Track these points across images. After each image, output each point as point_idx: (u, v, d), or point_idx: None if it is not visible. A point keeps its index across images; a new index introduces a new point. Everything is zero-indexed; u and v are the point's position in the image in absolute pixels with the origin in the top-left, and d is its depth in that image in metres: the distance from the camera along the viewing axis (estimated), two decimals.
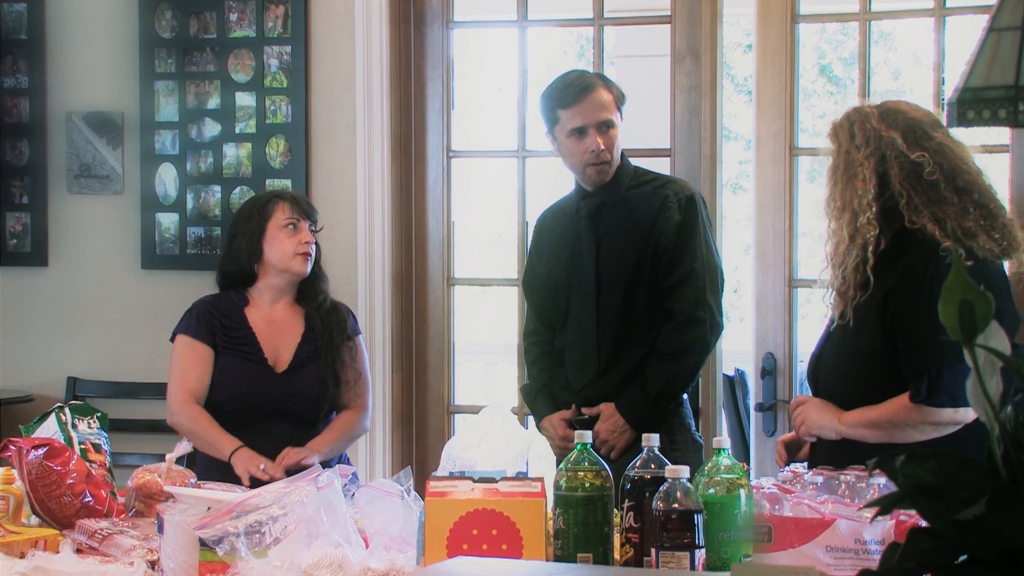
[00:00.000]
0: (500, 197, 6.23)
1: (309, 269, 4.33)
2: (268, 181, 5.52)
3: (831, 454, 3.38)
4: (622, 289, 4.20)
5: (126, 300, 5.72)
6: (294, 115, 5.50)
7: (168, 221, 5.65)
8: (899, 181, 3.37)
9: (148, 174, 5.67)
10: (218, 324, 4.27)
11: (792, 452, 3.61)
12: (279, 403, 4.18)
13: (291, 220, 4.27)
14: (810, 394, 3.66)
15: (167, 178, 5.65)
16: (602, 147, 4.17)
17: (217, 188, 5.61)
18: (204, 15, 5.59)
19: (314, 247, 4.34)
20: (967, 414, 3.29)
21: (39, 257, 5.82)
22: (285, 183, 5.50)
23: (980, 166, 3.45)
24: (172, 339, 4.35)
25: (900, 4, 5.51)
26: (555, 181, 4.73)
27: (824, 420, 3.51)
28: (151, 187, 5.66)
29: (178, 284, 5.66)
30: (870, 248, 3.38)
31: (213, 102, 5.60)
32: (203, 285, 5.64)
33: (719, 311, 4.22)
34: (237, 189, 5.57)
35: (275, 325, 4.30)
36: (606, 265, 4.23)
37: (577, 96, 4.19)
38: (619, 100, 4.26)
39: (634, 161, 4.39)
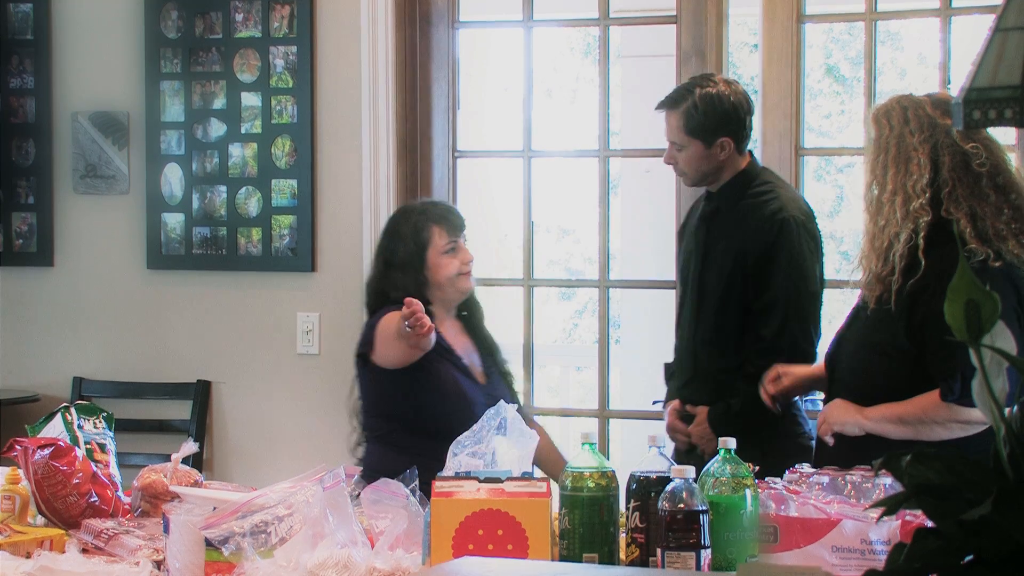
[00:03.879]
0: (506, 197, 6.22)
1: (474, 284, 4.31)
2: (274, 181, 5.52)
3: (842, 454, 3.37)
4: (717, 300, 4.24)
5: (132, 300, 5.73)
6: (300, 115, 5.50)
7: (174, 221, 5.66)
8: (949, 169, 3.39)
9: (154, 174, 5.67)
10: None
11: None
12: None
13: (450, 244, 4.22)
14: (825, 376, 3.69)
15: (173, 178, 5.66)
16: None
17: (223, 188, 5.61)
18: (210, 15, 5.60)
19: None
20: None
21: (45, 257, 5.82)
22: (291, 183, 5.50)
23: (1015, 167, 3.47)
24: (376, 320, 4.17)
25: (906, 4, 5.50)
26: (560, 181, 4.74)
27: (847, 416, 3.51)
28: (157, 187, 5.66)
29: (184, 284, 5.67)
30: (922, 233, 3.39)
31: (219, 102, 5.60)
32: (209, 285, 5.67)
33: (805, 338, 4.18)
34: (243, 189, 5.58)
35: (457, 338, 4.26)
36: (708, 272, 4.28)
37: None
38: (690, 121, 4.27)
39: (641, 161, 4.41)
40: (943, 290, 3.41)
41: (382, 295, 4.23)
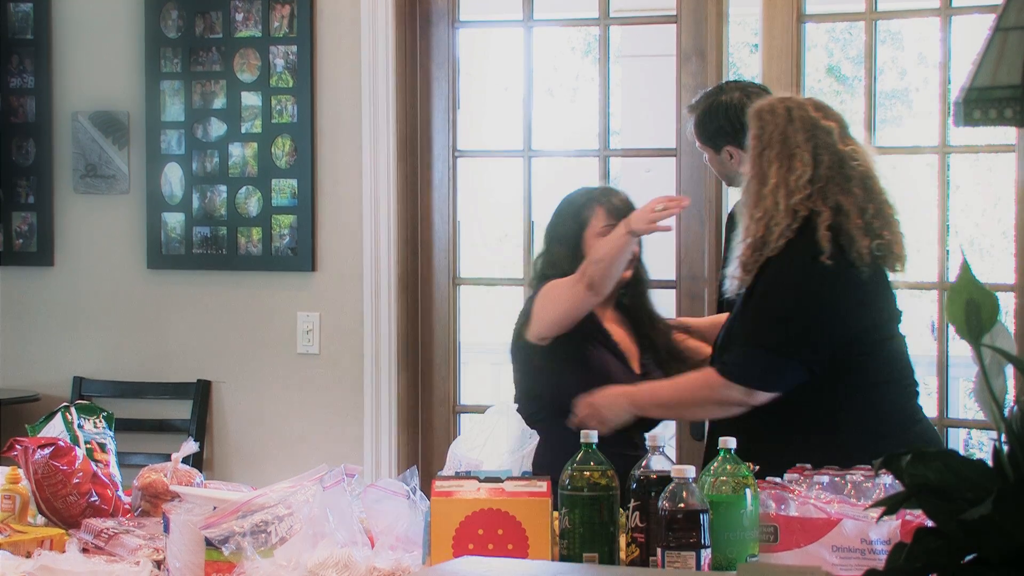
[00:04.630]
0: (506, 197, 6.22)
1: (631, 272, 4.07)
2: (274, 181, 5.53)
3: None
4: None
5: (132, 300, 5.73)
6: (300, 115, 5.50)
7: (174, 221, 5.66)
8: (826, 167, 3.50)
9: (154, 174, 5.67)
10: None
11: None
12: None
13: (608, 225, 4.01)
14: None
15: (173, 178, 5.66)
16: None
17: (223, 188, 5.61)
18: (210, 15, 5.59)
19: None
20: (757, 396, 3.45)
21: (45, 257, 5.82)
22: (291, 183, 5.50)
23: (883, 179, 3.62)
24: (536, 294, 4.04)
25: (906, 4, 5.50)
26: (560, 181, 4.73)
27: (616, 401, 3.65)
28: (157, 187, 5.66)
29: (184, 284, 5.67)
30: (795, 226, 3.48)
31: (219, 102, 5.60)
32: (209, 285, 5.67)
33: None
34: (243, 189, 5.58)
35: (616, 325, 4.09)
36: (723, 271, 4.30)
37: None
38: (700, 128, 4.28)
39: (641, 160, 4.42)
40: (768, 277, 3.52)
41: (543, 275, 4.09)
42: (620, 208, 4.04)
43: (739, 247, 3.58)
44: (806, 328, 3.45)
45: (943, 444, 3.66)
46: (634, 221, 3.81)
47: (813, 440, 3.40)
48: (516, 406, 3.88)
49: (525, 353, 4.01)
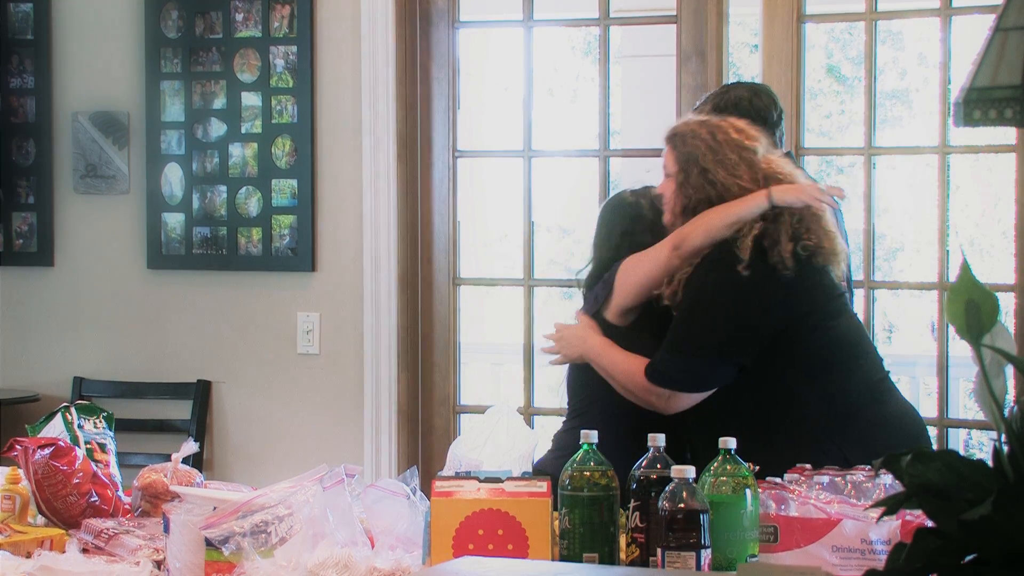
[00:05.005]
0: (506, 197, 6.23)
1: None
2: (274, 181, 5.53)
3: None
4: None
5: (132, 300, 5.73)
6: (300, 115, 5.50)
7: (174, 221, 5.66)
8: (749, 182, 3.56)
9: (154, 174, 5.67)
10: None
11: None
12: None
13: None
14: None
15: (173, 178, 5.66)
16: None
17: (223, 188, 5.61)
18: (210, 15, 5.60)
19: None
20: (679, 398, 3.51)
21: (45, 257, 5.82)
22: (291, 183, 5.51)
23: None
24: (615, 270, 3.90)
25: (906, 4, 5.50)
26: (560, 181, 4.74)
27: (573, 345, 3.70)
28: (157, 187, 5.66)
29: (184, 284, 5.67)
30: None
31: (219, 102, 5.60)
32: (209, 285, 5.66)
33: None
34: (243, 189, 5.58)
35: None
36: None
37: None
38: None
39: (641, 160, 4.41)
40: (690, 287, 3.49)
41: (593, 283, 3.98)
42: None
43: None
44: (725, 331, 3.51)
45: (917, 424, 3.65)
46: (782, 191, 3.60)
47: (774, 426, 3.44)
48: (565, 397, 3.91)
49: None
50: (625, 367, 3.61)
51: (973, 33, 4.74)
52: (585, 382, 3.84)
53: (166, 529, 2.89)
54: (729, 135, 3.62)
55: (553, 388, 8.02)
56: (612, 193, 4.48)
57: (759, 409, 3.51)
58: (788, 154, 4.46)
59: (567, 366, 3.93)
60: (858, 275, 5.22)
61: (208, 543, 2.77)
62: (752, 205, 3.56)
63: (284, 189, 5.53)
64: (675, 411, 3.54)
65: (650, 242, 3.77)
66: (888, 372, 3.70)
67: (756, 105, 4.27)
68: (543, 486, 2.77)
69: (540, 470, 3.39)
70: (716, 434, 2.85)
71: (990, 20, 2.08)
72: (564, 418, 3.95)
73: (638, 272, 3.75)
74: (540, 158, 5.53)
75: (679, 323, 3.56)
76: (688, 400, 3.53)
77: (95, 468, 3.34)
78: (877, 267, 5.56)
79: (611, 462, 2.82)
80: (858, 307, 4.97)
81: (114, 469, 3.47)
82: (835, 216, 3.79)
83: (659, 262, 3.69)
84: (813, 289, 3.56)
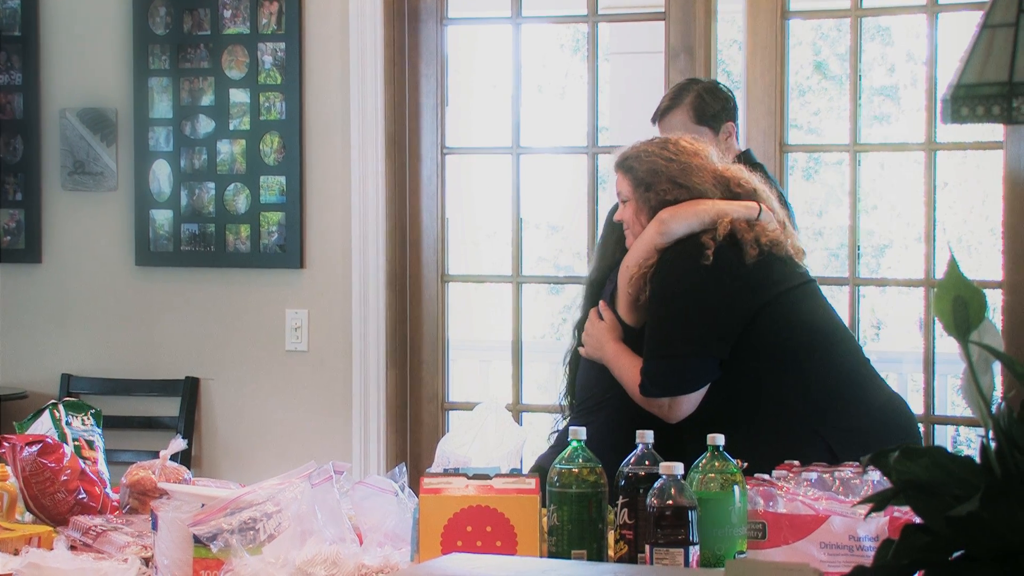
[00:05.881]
0: (494, 194, 6.23)
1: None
2: (262, 178, 5.52)
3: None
4: None
5: (120, 297, 5.72)
6: (288, 112, 5.50)
7: (162, 218, 5.65)
8: (711, 188, 3.57)
9: (142, 171, 5.67)
10: None
11: None
12: None
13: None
14: None
15: (161, 175, 5.65)
16: None
17: (211, 185, 5.60)
18: (198, 11, 5.59)
19: None
20: (681, 400, 3.46)
21: (33, 254, 5.81)
22: (279, 180, 5.50)
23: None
24: None
25: (892, 1, 5.50)
26: (549, 178, 4.74)
27: (595, 345, 3.65)
28: (145, 184, 5.66)
29: (172, 281, 5.67)
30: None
31: (207, 99, 5.59)
32: (197, 282, 5.66)
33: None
34: (231, 186, 5.57)
35: None
36: None
37: None
38: (701, 111, 4.40)
39: None
40: (654, 286, 3.52)
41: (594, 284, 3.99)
42: None
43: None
44: (699, 324, 3.48)
45: (904, 414, 3.64)
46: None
47: (749, 419, 3.44)
48: (566, 398, 3.87)
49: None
50: (631, 377, 3.56)
51: (960, 30, 4.75)
52: (598, 380, 3.82)
53: (154, 526, 2.88)
54: (680, 145, 3.62)
55: (542, 385, 8.03)
56: (600, 190, 4.49)
57: (728, 403, 3.49)
58: (747, 151, 4.49)
59: (579, 361, 3.91)
60: (844, 272, 5.24)
61: (196, 540, 2.77)
62: (743, 206, 3.58)
63: (272, 186, 5.53)
64: (681, 416, 3.48)
65: None
66: (868, 360, 3.68)
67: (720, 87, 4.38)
68: (531, 483, 2.77)
69: (540, 466, 3.40)
70: (704, 430, 2.85)
71: (977, 17, 2.09)
72: (566, 415, 3.93)
73: (629, 259, 3.75)
74: (528, 155, 5.54)
75: (652, 328, 3.53)
76: (688, 403, 3.48)
77: (83, 465, 3.33)
78: (865, 264, 5.56)
79: (616, 463, 2.82)
80: (844, 304, 4.98)
81: (102, 466, 3.46)
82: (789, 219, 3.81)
83: (646, 239, 3.70)
84: (778, 274, 3.56)
